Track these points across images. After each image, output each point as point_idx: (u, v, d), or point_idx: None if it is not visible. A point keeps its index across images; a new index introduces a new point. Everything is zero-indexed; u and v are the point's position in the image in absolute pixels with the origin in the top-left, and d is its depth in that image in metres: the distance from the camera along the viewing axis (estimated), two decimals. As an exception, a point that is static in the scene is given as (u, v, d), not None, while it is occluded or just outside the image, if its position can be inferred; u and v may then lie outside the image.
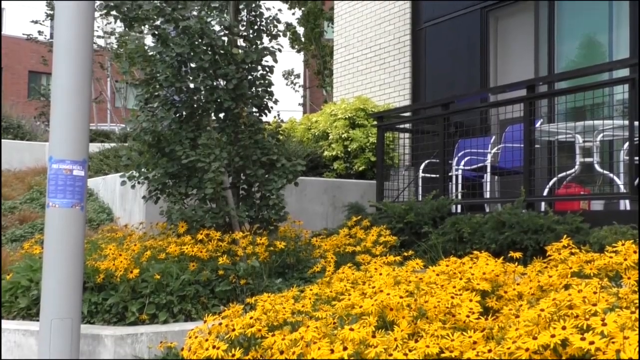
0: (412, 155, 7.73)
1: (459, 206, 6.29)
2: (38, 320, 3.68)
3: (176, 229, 5.61)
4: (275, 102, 6.20)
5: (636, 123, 4.71)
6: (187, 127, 5.97)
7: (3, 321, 4.65)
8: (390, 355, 2.48)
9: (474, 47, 8.43)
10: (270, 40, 6.36)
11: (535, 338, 2.21)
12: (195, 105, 6.08)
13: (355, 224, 6.29)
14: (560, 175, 5.77)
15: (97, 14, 12.52)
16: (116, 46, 19.38)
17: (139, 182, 6.32)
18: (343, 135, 8.48)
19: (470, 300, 2.98)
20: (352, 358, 2.50)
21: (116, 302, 4.92)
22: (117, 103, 23.46)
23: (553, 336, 2.16)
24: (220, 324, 3.16)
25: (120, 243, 6.00)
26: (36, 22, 20.24)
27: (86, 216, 4.10)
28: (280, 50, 6.39)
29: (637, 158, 4.80)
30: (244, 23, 6.35)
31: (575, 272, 3.27)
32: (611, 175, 5.41)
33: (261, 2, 6.38)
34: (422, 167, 7.09)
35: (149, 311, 4.82)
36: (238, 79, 5.91)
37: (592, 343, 2.07)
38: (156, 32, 5.86)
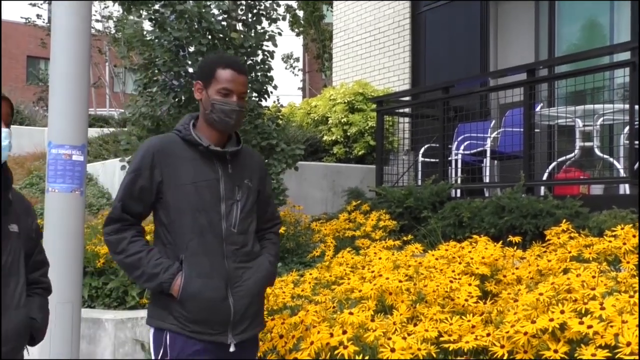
0: (412, 139, 7.71)
1: (459, 191, 6.29)
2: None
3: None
4: (275, 87, 6.18)
5: (637, 107, 4.70)
6: (185, 111, 5.94)
7: None
8: (389, 339, 2.49)
9: (474, 30, 8.38)
10: (270, 24, 6.31)
11: (533, 322, 2.22)
12: (193, 90, 6.06)
13: (354, 208, 6.29)
14: (560, 159, 5.76)
15: (95, -2, 12.45)
16: (114, 31, 19.26)
17: (138, 167, 6.31)
18: (342, 120, 8.46)
19: (469, 285, 3.00)
20: (351, 342, 2.51)
21: (116, 287, 4.94)
22: (116, 88, 23.39)
23: (552, 320, 2.17)
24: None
25: (120, 228, 6.00)
26: (34, 4, 20.10)
27: (86, 201, 4.11)
28: (280, 34, 6.35)
29: (637, 142, 4.79)
30: (243, 7, 6.30)
31: (574, 256, 3.28)
32: (611, 159, 5.40)
33: (260, -15, 6.32)
34: (421, 151, 7.07)
35: (149, 295, 4.84)
36: (237, 63, 5.88)
37: (590, 327, 2.08)
38: (154, 17, 5.82)
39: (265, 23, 6.27)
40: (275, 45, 6.17)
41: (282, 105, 7.07)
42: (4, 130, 2.06)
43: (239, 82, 2.40)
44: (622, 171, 5.17)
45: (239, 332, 2.35)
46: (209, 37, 5.88)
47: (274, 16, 6.28)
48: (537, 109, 5.76)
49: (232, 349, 2.35)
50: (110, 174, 9.54)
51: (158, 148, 2.37)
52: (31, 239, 2.22)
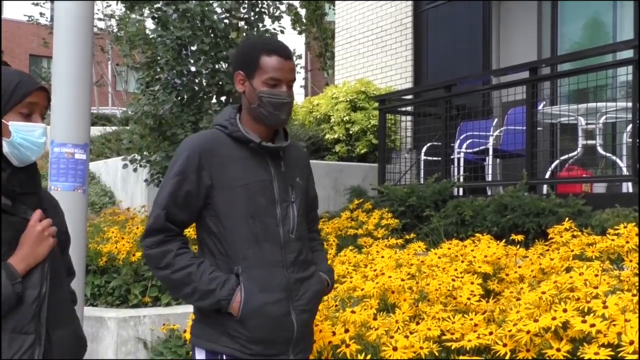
0: (414, 138, 7.70)
1: (461, 189, 6.28)
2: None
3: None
4: (277, 84, 6.17)
5: (639, 105, 4.68)
6: (188, 110, 5.96)
7: None
8: (392, 337, 2.49)
9: (476, 29, 8.37)
10: (273, 22, 6.31)
11: (536, 320, 2.22)
12: (196, 89, 6.07)
13: (357, 207, 6.29)
14: (562, 157, 5.75)
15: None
16: (116, 29, 19.27)
17: (140, 166, 6.32)
18: (345, 118, 8.45)
19: (472, 283, 2.99)
20: (353, 340, 2.51)
21: (119, 285, 4.94)
22: (118, 86, 23.39)
23: (554, 319, 2.17)
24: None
25: (122, 226, 6.02)
26: (36, 4, 20.11)
27: (88, 199, 4.11)
28: (282, 32, 6.35)
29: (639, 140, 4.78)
30: (245, 5, 6.30)
31: (576, 254, 3.28)
32: (614, 157, 5.39)
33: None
34: (424, 150, 7.07)
35: (152, 294, 4.85)
36: (239, 61, 5.88)
37: (593, 325, 2.07)
38: (156, 15, 5.83)
39: (267, 21, 6.27)
40: (277, 43, 6.15)
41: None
42: (41, 126, 1.80)
43: (287, 69, 2.12)
44: (624, 169, 5.16)
45: (299, 350, 2.11)
46: (212, 35, 5.89)
47: (276, 14, 6.29)
48: (540, 107, 5.75)
49: None
50: (113, 173, 9.55)
51: (204, 147, 2.08)
52: (60, 242, 1.94)
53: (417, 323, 2.61)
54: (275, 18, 6.31)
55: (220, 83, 5.95)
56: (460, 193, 6.26)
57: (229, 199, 2.06)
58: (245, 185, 2.07)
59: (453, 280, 3.02)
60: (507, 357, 2.22)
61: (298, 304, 2.08)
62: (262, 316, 2.01)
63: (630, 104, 4.89)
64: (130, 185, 8.66)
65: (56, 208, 1.97)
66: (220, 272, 2.03)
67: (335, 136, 8.58)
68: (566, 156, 5.73)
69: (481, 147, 6.47)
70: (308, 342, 2.19)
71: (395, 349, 2.39)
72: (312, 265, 2.21)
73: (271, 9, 6.32)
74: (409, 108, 7.86)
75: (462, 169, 6.58)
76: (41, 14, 20.43)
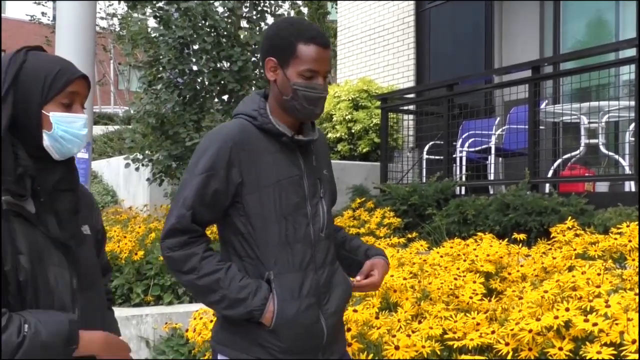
0: (416, 137, 7.70)
1: (463, 188, 6.28)
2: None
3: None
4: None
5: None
6: (190, 109, 5.96)
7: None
8: (394, 336, 2.49)
9: (478, 27, 8.36)
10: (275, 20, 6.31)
11: (538, 320, 2.22)
12: (198, 88, 6.07)
13: (359, 205, 6.29)
14: (565, 156, 5.74)
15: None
16: (119, 28, 19.29)
17: (143, 165, 6.32)
18: (347, 117, 8.45)
19: (474, 282, 2.99)
20: (355, 339, 2.51)
21: (121, 284, 4.95)
22: (121, 85, 23.41)
23: (556, 318, 2.16)
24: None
25: (124, 225, 6.02)
26: (38, 3, 20.14)
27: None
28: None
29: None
30: (247, 4, 6.30)
31: (579, 253, 3.27)
32: (616, 156, 5.38)
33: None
34: (426, 148, 7.07)
35: (154, 293, 4.85)
36: (243, 60, 5.88)
37: (595, 325, 2.07)
38: (159, 14, 5.83)
39: (270, 19, 6.27)
40: (279, 42, 6.16)
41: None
42: (83, 116, 1.65)
43: (325, 59, 1.90)
44: (627, 168, 5.16)
45: (330, 353, 1.97)
46: (214, 34, 5.89)
47: (278, 12, 6.29)
48: (542, 106, 5.75)
49: None
50: (115, 172, 9.56)
51: (236, 140, 1.87)
52: (97, 241, 1.82)
53: (419, 322, 2.61)
54: (277, 17, 6.31)
55: (223, 82, 5.95)
56: (463, 192, 6.26)
57: (260, 197, 1.88)
58: (277, 182, 1.89)
59: (455, 279, 3.02)
60: (509, 356, 2.22)
61: (327, 308, 1.94)
62: (295, 326, 1.86)
63: (632, 103, 4.88)
64: (132, 185, 8.67)
65: (92, 206, 1.84)
66: (251, 279, 1.86)
67: (338, 135, 8.58)
68: (569, 155, 5.72)
69: (483, 146, 6.47)
70: (340, 344, 2.06)
71: (397, 347, 2.38)
72: (337, 263, 2.05)
73: (273, 8, 6.33)
74: (411, 107, 7.86)
75: (464, 167, 6.57)
76: (43, 14, 20.46)
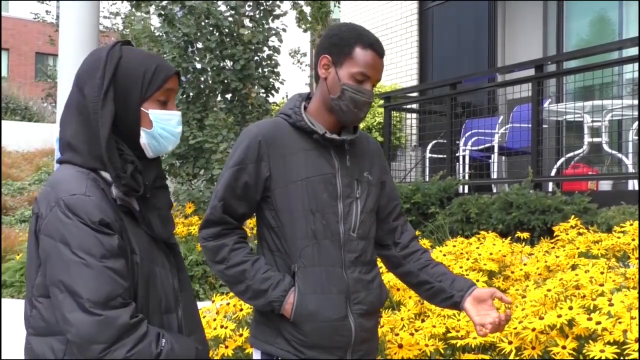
0: (419, 135, 7.70)
1: (466, 187, 6.27)
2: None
3: (184, 210, 5.64)
4: (282, 82, 6.19)
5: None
6: (194, 107, 5.97)
7: (14, 300, 4.70)
8: (397, 334, 2.49)
9: (481, 26, 8.36)
10: (273, 21, 6.31)
11: (541, 318, 2.22)
12: (202, 86, 6.08)
13: (362, 204, 6.28)
14: (568, 155, 5.74)
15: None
16: (122, 27, 19.30)
17: (146, 163, 6.32)
18: (350, 116, 8.46)
19: (477, 281, 2.99)
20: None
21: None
22: (124, 84, 23.39)
23: (560, 316, 2.17)
24: (228, 304, 3.19)
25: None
26: (42, 1, 20.16)
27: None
28: (284, 30, 6.35)
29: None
30: (250, 3, 6.31)
31: (582, 252, 3.27)
32: (620, 155, 5.38)
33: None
34: (429, 147, 7.06)
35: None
36: (245, 59, 5.89)
37: (598, 323, 2.07)
38: (162, 13, 5.84)
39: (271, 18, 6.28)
40: (280, 41, 6.17)
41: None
42: (177, 114, 1.63)
43: (379, 67, 1.96)
44: (630, 167, 5.15)
45: (357, 355, 1.96)
46: (217, 33, 5.90)
47: (276, 12, 6.29)
48: (545, 104, 5.74)
49: None
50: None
51: (266, 136, 1.95)
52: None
53: (423, 320, 2.61)
54: (275, 17, 6.31)
55: (226, 81, 5.96)
56: (466, 190, 6.26)
57: (289, 192, 1.93)
58: (306, 179, 1.93)
59: (458, 277, 3.02)
60: (512, 355, 2.22)
61: (357, 307, 1.94)
62: (316, 320, 1.89)
63: (636, 102, 4.87)
64: (135, 183, 8.68)
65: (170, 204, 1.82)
66: (275, 272, 1.93)
67: (340, 134, 8.59)
68: (572, 154, 5.72)
69: (486, 145, 6.46)
70: (371, 346, 2.04)
71: (400, 346, 2.39)
72: (376, 267, 2.06)
73: (273, 7, 6.33)
74: (414, 105, 7.86)
75: (467, 166, 6.57)
76: (47, 12, 20.49)
